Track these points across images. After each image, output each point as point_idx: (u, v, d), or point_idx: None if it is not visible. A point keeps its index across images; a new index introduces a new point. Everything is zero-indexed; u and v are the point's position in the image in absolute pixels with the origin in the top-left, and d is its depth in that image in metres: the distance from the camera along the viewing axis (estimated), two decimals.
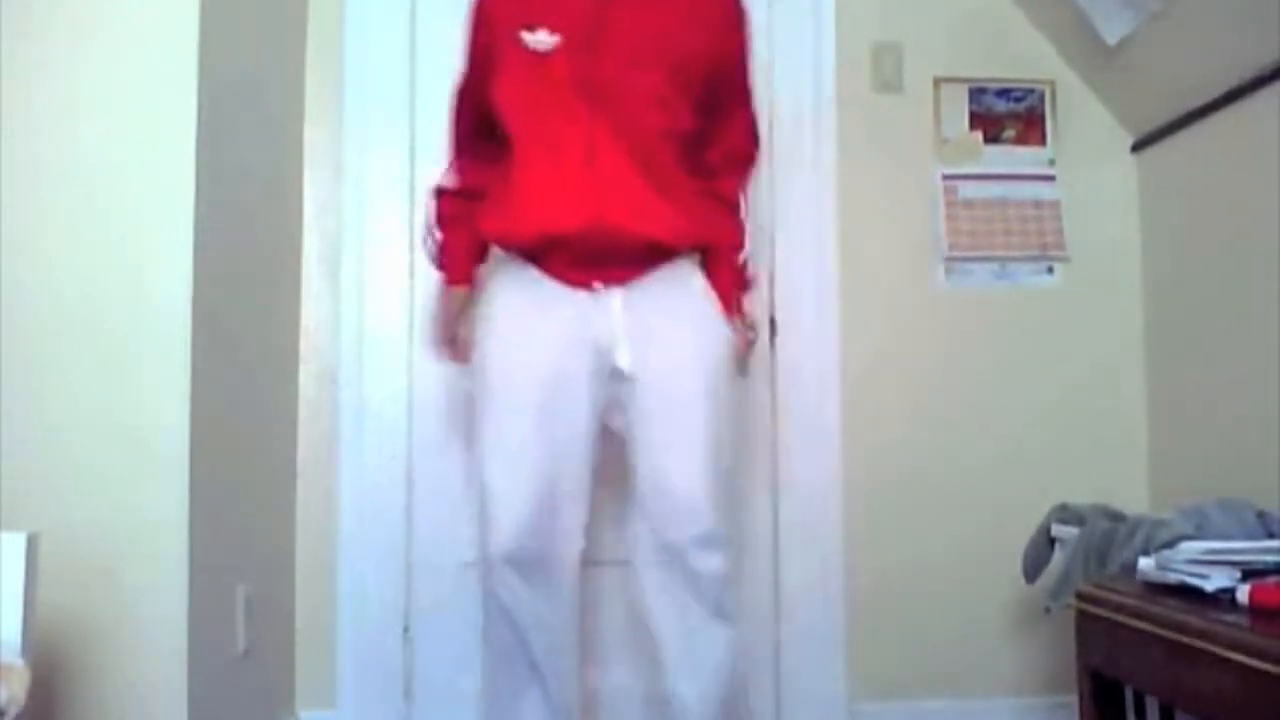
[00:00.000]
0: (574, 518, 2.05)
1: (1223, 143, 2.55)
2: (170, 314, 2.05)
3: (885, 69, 2.91)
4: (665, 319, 2.04)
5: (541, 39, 2.01)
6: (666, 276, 2.06)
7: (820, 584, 2.79)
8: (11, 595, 1.59)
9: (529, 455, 2.00)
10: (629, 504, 2.06)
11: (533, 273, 2.06)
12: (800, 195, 2.85)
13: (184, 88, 2.08)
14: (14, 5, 2.03)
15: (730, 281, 2.16)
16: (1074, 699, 2.01)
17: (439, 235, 2.23)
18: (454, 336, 2.22)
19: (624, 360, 2.02)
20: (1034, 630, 2.79)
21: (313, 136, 2.80)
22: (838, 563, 2.80)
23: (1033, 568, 2.53)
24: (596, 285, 2.03)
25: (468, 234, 2.17)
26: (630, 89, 2.01)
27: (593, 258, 2.01)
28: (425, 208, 2.29)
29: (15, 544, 1.62)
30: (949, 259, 2.89)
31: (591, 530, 2.09)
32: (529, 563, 2.01)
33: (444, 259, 2.23)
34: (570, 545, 2.05)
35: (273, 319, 2.62)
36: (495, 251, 2.18)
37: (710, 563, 1.98)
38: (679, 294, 2.08)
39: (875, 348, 2.86)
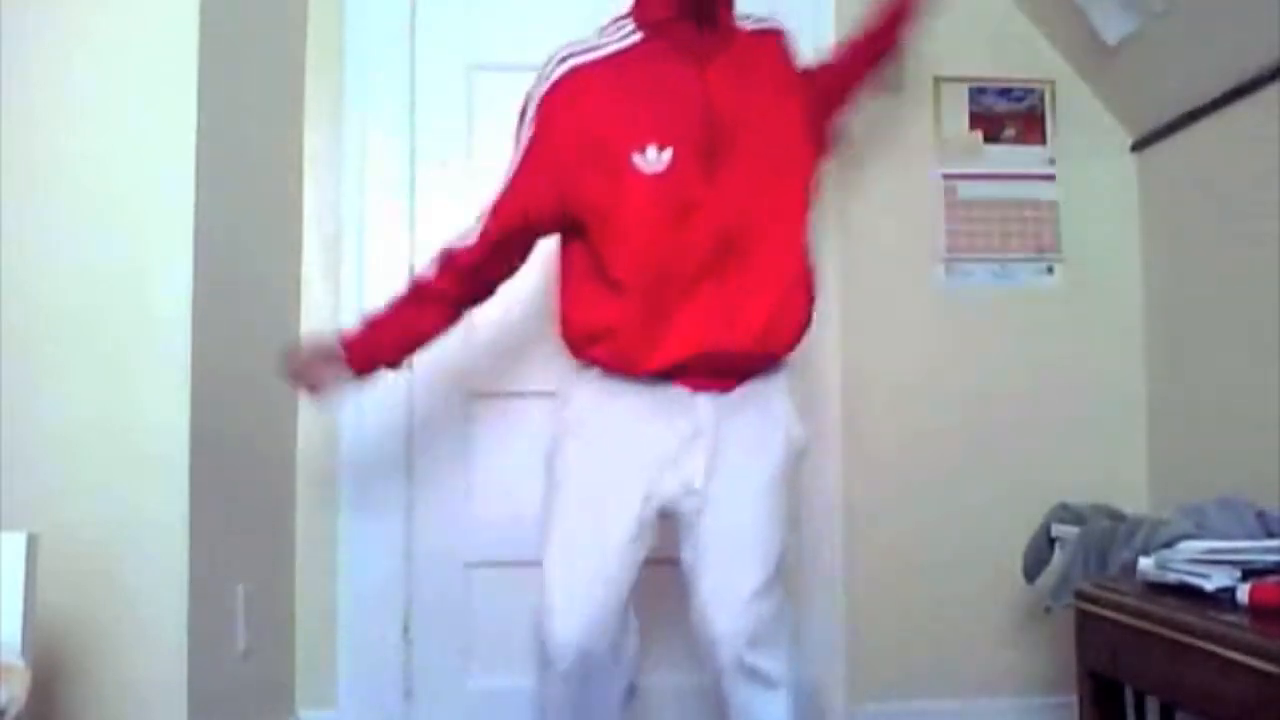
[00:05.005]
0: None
1: (1223, 143, 2.55)
2: (170, 314, 2.05)
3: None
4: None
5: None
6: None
7: (820, 584, 2.79)
8: (11, 595, 1.60)
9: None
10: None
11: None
12: None
13: (184, 88, 2.08)
14: (13, 5, 2.03)
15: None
16: (1074, 699, 2.01)
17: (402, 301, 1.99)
18: (312, 385, 2.04)
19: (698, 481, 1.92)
20: (1034, 630, 2.79)
21: (313, 137, 2.79)
22: (838, 563, 2.80)
23: (1033, 567, 2.53)
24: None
25: (429, 323, 2.00)
26: None
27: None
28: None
29: (15, 544, 1.62)
30: (949, 259, 2.89)
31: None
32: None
33: (381, 333, 1.99)
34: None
35: (272, 320, 2.62)
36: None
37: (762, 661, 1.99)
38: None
39: (875, 347, 2.85)
